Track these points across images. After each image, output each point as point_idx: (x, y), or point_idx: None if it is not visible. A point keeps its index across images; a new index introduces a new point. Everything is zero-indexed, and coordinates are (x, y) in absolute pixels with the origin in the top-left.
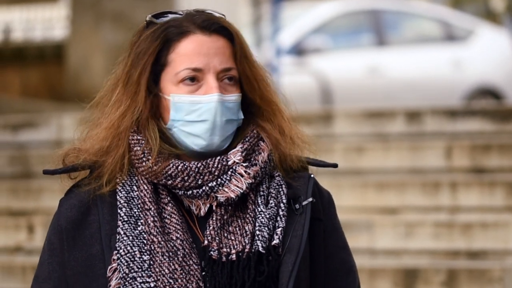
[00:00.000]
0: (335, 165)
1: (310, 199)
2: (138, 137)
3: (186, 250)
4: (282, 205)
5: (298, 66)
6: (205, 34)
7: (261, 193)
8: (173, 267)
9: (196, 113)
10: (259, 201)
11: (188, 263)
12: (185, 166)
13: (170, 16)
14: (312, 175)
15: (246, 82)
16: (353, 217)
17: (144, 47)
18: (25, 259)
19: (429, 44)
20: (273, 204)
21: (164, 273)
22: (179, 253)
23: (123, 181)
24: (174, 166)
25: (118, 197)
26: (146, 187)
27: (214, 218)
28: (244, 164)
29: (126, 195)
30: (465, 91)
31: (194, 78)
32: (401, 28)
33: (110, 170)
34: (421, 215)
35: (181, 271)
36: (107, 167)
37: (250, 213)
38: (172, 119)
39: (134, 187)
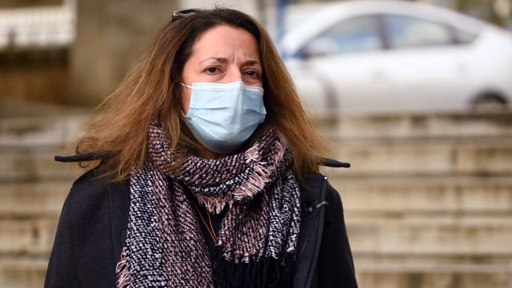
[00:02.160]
0: (347, 165)
1: (324, 202)
2: (158, 131)
3: (199, 251)
4: (296, 209)
5: (303, 70)
6: (231, 26)
7: (276, 196)
8: (185, 267)
9: (217, 100)
10: (274, 205)
11: (201, 264)
12: (204, 164)
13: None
14: (325, 177)
15: (272, 77)
16: (358, 221)
17: (169, 37)
18: (30, 263)
19: (434, 48)
20: (287, 209)
21: (176, 273)
22: (192, 254)
23: (138, 174)
24: (193, 163)
25: (132, 190)
26: (161, 183)
27: (229, 218)
28: (262, 163)
29: (140, 189)
30: (470, 95)
31: (216, 68)
32: (406, 32)
33: (126, 158)
34: (426, 219)
35: (193, 273)
36: (123, 155)
37: (264, 215)
38: (192, 108)
39: (149, 181)
